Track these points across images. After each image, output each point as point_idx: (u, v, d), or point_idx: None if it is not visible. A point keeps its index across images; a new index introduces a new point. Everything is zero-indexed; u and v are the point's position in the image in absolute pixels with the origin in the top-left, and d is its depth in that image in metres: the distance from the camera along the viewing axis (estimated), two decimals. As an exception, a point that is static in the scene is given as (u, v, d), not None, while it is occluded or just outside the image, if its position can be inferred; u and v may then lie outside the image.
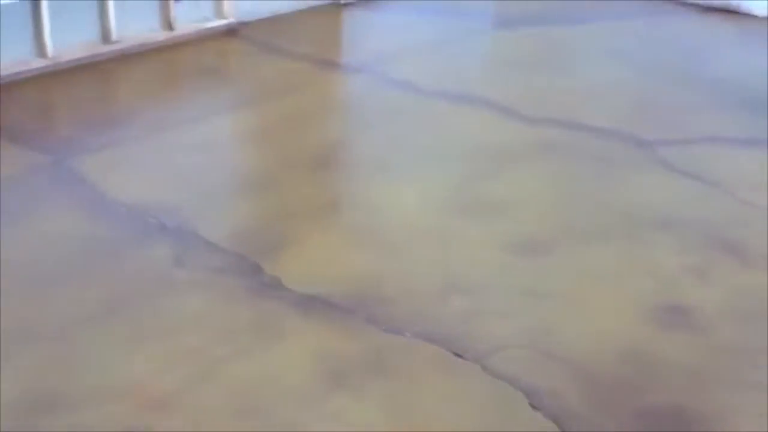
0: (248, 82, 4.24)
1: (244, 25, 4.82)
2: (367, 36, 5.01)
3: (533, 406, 2.13)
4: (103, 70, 4.18)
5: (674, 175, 3.33)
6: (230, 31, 4.73)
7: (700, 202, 3.15)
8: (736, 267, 2.74)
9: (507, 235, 2.90)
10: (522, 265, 2.74)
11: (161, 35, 4.49)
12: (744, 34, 5.13)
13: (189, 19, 4.61)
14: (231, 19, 4.75)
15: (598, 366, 2.29)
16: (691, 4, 5.55)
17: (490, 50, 4.88)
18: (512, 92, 4.11)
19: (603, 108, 3.96)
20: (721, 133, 3.70)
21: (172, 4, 4.49)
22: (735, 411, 2.15)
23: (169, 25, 4.52)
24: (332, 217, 3.01)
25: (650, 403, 2.17)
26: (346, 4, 5.34)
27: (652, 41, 4.95)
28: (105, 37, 4.29)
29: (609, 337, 2.41)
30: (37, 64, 4.04)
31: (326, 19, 5.17)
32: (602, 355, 2.33)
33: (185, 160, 3.36)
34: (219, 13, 4.74)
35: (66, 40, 4.15)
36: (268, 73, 4.29)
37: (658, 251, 2.82)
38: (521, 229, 2.94)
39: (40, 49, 4.07)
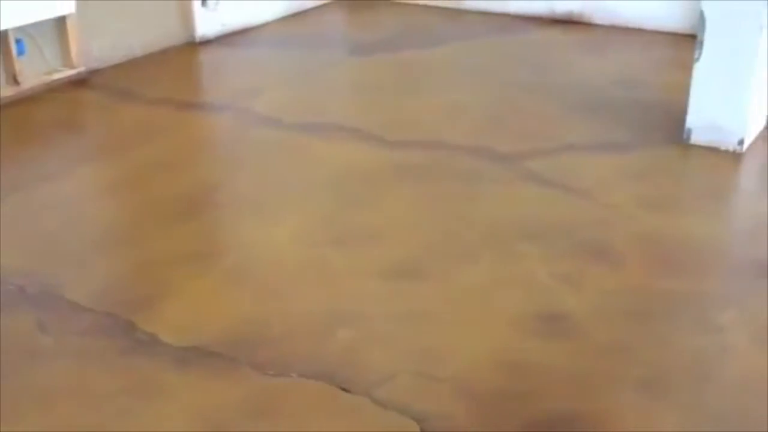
0: (105, 132, 4.10)
1: (95, 73, 4.66)
2: (226, 74, 4.96)
3: (425, 432, 2.13)
4: (-55, 133, 3.95)
5: (537, 185, 3.44)
6: (81, 81, 4.57)
7: (565, 210, 3.26)
8: (604, 270, 2.84)
9: (382, 261, 2.90)
10: (400, 291, 2.75)
11: (7, 91, 4.28)
12: (588, 42, 5.38)
13: (35, 72, 4.42)
14: (81, 68, 4.59)
15: (484, 382, 2.32)
16: (537, 18, 5.79)
17: (349, 78, 4.91)
18: (374, 118, 4.15)
19: (463, 126, 4.06)
20: (576, 141, 3.86)
21: (15, 57, 4.30)
22: (619, 410, 2.22)
23: (14, 80, 4.32)
24: (206, 263, 2.93)
25: (538, 413, 2.21)
26: (201, 43, 5.27)
27: (504, 56, 5.13)
28: (-56, 98, 4.07)
29: (491, 352, 2.44)
30: None
31: (182, 60, 5.08)
32: (486, 370, 2.36)
33: (44, 219, 3.20)
34: (67, 63, 4.57)
35: None
36: (126, 120, 4.16)
37: (529, 262, 2.89)
38: (395, 254, 2.95)
39: None
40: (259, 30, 5.62)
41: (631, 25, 5.55)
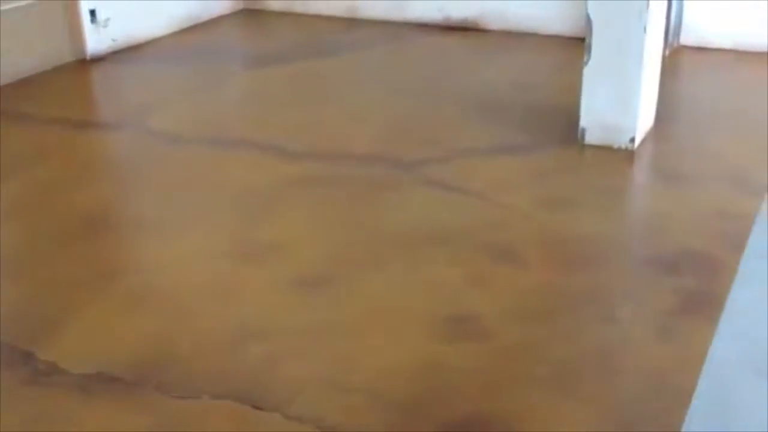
0: (-6, 155, 3.93)
1: (-20, 94, 4.48)
2: (121, 91, 4.84)
3: (340, 444, 2.12)
4: None
5: (439, 191, 3.48)
6: (-35, 103, 4.38)
7: (466, 213, 3.31)
8: (509, 270, 2.90)
9: (289, 274, 2.88)
10: (309, 303, 2.73)
11: None
12: (483, 48, 5.49)
13: None
14: (-36, 90, 4.40)
15: (397, 389, 2.32)
16: (433, 25, 5.87)
17: (248, 90, 4.87)
18: (274, 130, 4.12)
19: (365, 135, 4.07)
20: (476, 145, 3.92)
21: None
22: (529, 407, 2.25)
23: None
24: (108, 286, 2.83)
25: (451, 415, 2.23)
26: (93, 60, 5.13)
27: (402, 64, 5.18)
28: None
29: (403, 358, 2.45)
30: None
31: (75, 78, 4.93)
32: (400, 377, 2.37)
33: (-70, 250, 3.05)
34: (-51, 85, 4.37)
35: None
36: (16, 143, 3.99)
37: (435, 267, 2.91)
38: (302, 266, 2.93)
39: None
40: (152, 45, 5.51)
41: (524, 30, 5.69)
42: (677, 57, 5.18)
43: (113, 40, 5.27)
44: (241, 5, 6.32)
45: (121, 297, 2.79)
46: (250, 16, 6.21)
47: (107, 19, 5.19)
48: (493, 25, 5.78)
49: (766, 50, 5.18)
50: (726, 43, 5.28)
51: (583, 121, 3.89)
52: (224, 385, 2.33)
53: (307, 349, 2.50)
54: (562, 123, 4.06)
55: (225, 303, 2.74)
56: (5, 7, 4.66)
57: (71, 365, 2.40)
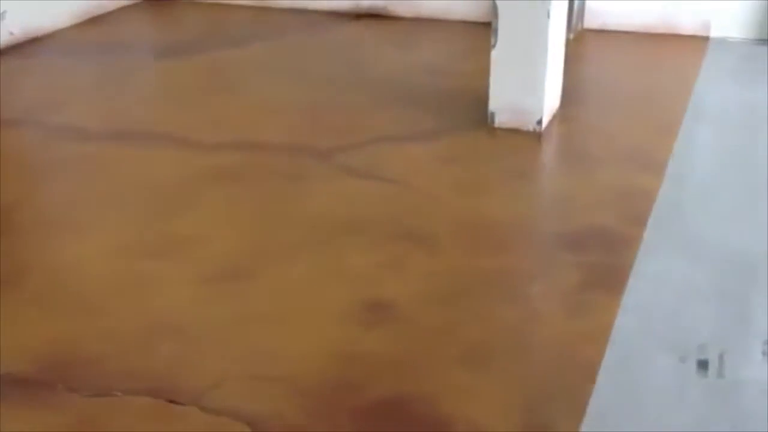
0: None
1: None
2: (21, 86, 4.67)
3: (258, 434, 2.11)
4: None
5: (355, 178, 3.49)
6: None
7: (383, 200, 3.33)
8: (423, 255, 2.93)
9: (204, 267, 2.85)
10: (225, 295, 2.71)
11: None
12: (394, 35, 5.52)
13: None
14: None
15: (315, 377, 2.33)
16: (343, 13, 5.87)
17: (157, 83, 4.77)
18: (186, 122, 4.06)
19: (278, 125, 4.05)
20: (388, 132, 3.95)
21: None
22: (446, 388, 2.28)
23: None
24: (12, 288, 2.75)
25: (368, 400, 2.25)
26: (-9, 55, 4.95)
27: (313, 53, 5.16)
28: None
29: (320, 346, 2.46)
30: None
31: (-29, 74, 4.75)
32: (316, 365, 2.38)
33: None
34: None
35: None
36: None
37: (351, 255, 2.93)
38: (217, 259, 2.90)
39: None
40: (54, 37, 5.34)
41: (433, 16, 5.74)
42: (581, 40, 5.32)
43: (11, 33, 5.09)
44: (146, -5, 6.19)
45: (27, 298, 2.71)
46: (155, 5, 6.08)
47: (4, 12, 5.01)
48: (402, 11, 5.81)
49: (666, 32, 5.36)
50: (628, 26, 5.44)
51: (492, 105, 3.95)
52: (138, 381, 2.29)
53: (222, 343, 2.48)
54: (473, 107, 4.12)
55: (137, 299, 2.69)
56: None
57: (-24, 370, 2.33)
